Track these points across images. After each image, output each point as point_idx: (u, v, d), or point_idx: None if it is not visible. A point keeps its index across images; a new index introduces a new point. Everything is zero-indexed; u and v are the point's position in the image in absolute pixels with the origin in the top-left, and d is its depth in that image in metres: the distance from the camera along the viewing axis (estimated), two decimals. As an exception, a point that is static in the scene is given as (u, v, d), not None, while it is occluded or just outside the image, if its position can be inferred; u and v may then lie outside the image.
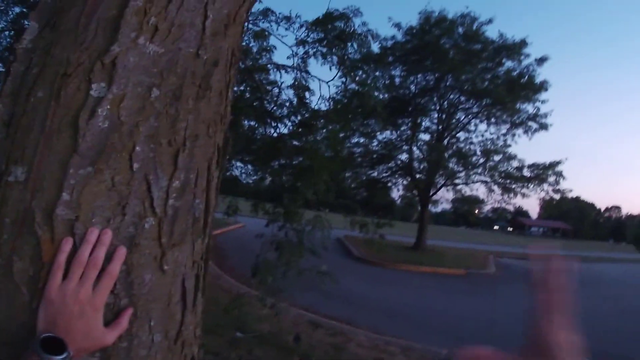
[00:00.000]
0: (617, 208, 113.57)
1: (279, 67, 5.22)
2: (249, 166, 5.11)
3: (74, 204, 0.70)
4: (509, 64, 19.52)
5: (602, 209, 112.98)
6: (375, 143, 21.47)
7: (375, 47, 18.89)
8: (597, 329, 8.62)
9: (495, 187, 21.50)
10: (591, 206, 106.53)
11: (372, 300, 9.66)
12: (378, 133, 20.50)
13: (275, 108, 4.66)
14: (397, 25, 20.23)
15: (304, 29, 5.24)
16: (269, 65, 5.43)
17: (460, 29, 19.47)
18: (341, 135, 4.69)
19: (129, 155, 0.74)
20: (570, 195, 22.22)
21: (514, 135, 20.74)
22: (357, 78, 5.09)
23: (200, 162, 0.85)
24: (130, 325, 0.75)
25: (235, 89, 5.50)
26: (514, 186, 20.83)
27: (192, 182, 0.83)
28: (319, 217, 3.77)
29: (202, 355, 1.01)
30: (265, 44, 5.98)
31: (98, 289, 0.71)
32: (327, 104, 4.98)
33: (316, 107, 4.57)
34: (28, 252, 0.70)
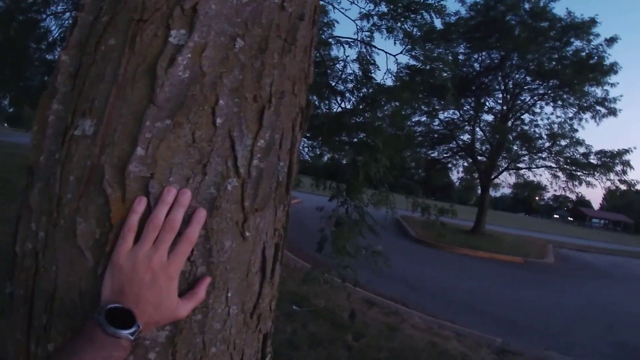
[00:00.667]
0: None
1: (341, 41, 5.09)
2: (310, 141, 5.05)
3: (150, 160, 0.64)
4: (577, 43, 18.10)
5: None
6: (436, 122, 20.84)
7: (438, 23, 18.22)
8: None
9: (559, 174, 20.33)
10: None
11: (428, 282, 9.49)
12: (441, 112, 19.84)
13: (339, 82, 4.55)
14: (461, 0, 19.31)
15: (367, 1, 5.06)
16: (331, 40, 5.30)
17: (526, 5, 18.24)
18: (405, 112, 4.50)
19: (212, 109, 0.66)
20: (636, 187, 20.60)
21: (581, 119, 19.39)
22: (426, 53, 4.88)
23: (285, 121, 0.77)
24: (206, 297, 0.68)
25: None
26: (579, 173, 19.58)
27: (277, 143, 0.75)
28: (387, 193, 3.65)
29: (273, 331, 0.94)
30: (327, 18, 5.85)
31: (174, 255, 0.63)
32: (393, 79, 4.82)
33: (382, 82, 4.43)
34: (94, 213, 0.64)
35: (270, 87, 0.73)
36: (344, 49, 5.34)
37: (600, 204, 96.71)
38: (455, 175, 23.89)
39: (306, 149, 5.39)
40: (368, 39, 5.04)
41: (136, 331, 0.59)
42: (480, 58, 20.37)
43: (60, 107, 0.70)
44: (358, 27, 5.24)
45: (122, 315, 0.59)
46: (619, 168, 18.53)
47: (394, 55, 4.70)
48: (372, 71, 4.60)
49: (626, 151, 18.25)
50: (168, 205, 0.63)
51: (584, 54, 17.94)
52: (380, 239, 4.11)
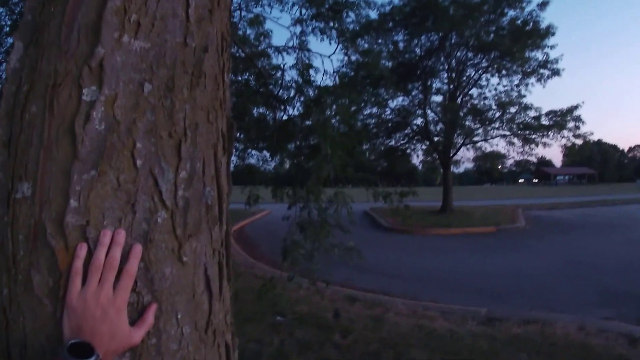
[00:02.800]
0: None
1: (279, 49, 5.19)
2: (264, 153, 5.12)
3: (83, 209, 0.71)
4: (511, 13, 18.80)
5: (626, 150, 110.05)
6: (388, 112, 21.22)
7: (374, 15, 18.52)
8: (629, 273, 8.53)
9: (515, 140, 21.07)
10: (614, 148, 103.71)
11: (406, 268, 9.68)
12: (390, 101, 20.21)
13: (281, 91, 4.63)
14: (393, -12, 19.70)
15: (296, 7, 5.18)
16: (268, 50, 5.40)
17: (457, -16, 18.84)
18: (352, 108, 4.62)
19: (131, 153, 0.73)
20: (591, 139, 21.56)
21: (527, 85, 20.15)
22: (359, 48, 5.02)
23: (205, 149, 0.84)
24: (156, 321, 0.76)
25: (240, 78, 5.56)
26: (533, 136, 20.33)
27: (199, 171, 0.82)
28: (339, 193, 3.74)
29: (238, 342, 1.01)
30: (261, 29, 5.94)
31: (118, 290, 0.71)
32: (334, 79, 4.94)
33: (323, 84, 4.53)
34: (45, 264, 0.71)
35: (184, 121, 0.80)
36: (282, 57, 5.44)
37: (562, 161, 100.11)
38: (416, 159, 24.38)
39: (261, 162, 5.46)
40: (302, 43, 5.15)
41: (97, 359, 0.66)
42: (420, 42, 20.83)
43: (1, 175, 0.77)
44: (292, 33, 5.36)
45: (82, 348, 0.66)
46: (571, 124, 19.35)
47: (329, 57, 4.83)
48: (312, 75, 4.71)
49: (575, 107, 19.05)
50: (106, 247, 0.71)
51: (519, 22, 18.60)
52: (352, 234, 4.19)
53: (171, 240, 0.77)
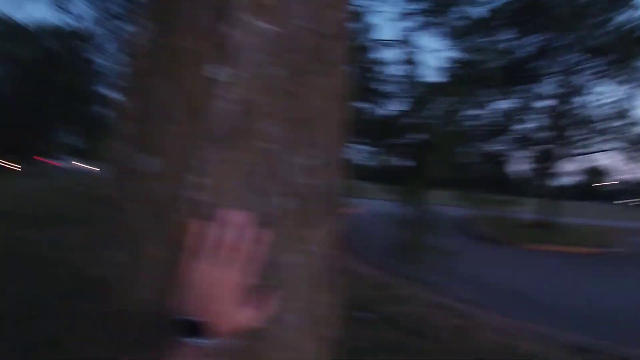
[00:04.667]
0: None
1: (385, 43, 5.11)
2: (365, 147, 5.08)
3: (211, 189, 0.71)
4: (625, 15, 16.89)
5: None
6: (490, 114, 20.19)
7: (482, 12, 17.67)
8: None
9: (625, 155, 19.02)
10: None
11: (500, 281, 9.14)
12: (493, 103, 19.24)
13: (385, 86, 4.57)
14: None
15: (404, 1, 5.07)
16: (374, 44, 5.33)
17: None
18: (457, 107, 4.41)
19: (261, 137, 0.73)
20: None
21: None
22: (465, 46, 4.80)
23: (329, 138, 0.82)
24: (273, 307, 0.75)
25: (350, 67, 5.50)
26: (641, 154, 18.24)
27: (325, 160, 0.81)
28: (449, 196, 3.61)
29: (338, 337, 0.99)
30: (367, 22, 5.89)
31: (241, 272, 0.70)
32: (440, 76, 4.79)
33: (428, 81, 4.39)
34: (167, 239, 0.72)
35: (311, 108, 0.79)
36: (388, 52, 5.37)
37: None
38: (516, 166, 22.99)
39: (360, 157, 5.42)
40: (408, 38, 5.03)
41: (214, 340, 0.66)
42: (528, 43, 19.55)
43: (127, 148, 0.80)
44: (398, 28, 5.26)
45: (199, 327, 0.66)
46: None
47: (435, 53, 4.67)
48: (417, 70, 4.58)
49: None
50: (232, 227, 0.70)
51: (633, 26, 16.73)
52: (446, 239, 4.05)
53: (296, 228, 0.76)
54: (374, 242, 3.94)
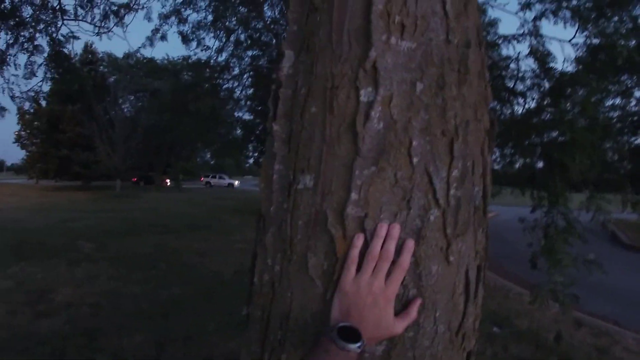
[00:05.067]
0: None
1: (508, 38, 4.82)
2: (498, 150, 4.81)
3: (362, 202, 0.76)
4: None
5: None
6: (633, 103, 17.81)
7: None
8: None
9: None
10: None
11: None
12: (636, 89, 16.94)
13: (516, 82, 4.30)
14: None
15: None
16: (497, 40, 5.06)
17: None
18: (595, 98, 3.97)
19: (407, 151, 0.76)
20: None
21: None
22: (598, 29, 4.33)
23: (474, 148, 0.83)
24: (417, 316, 0.78)
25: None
26: None
27: (469, 170, 0.82)
28: (593, 197, 3.28)
29: (476, 350, 0.98)
30: (487, 18, 5.62)
31: (390, 281, 0.74)
32: (573, 66, 4.38)
33: (561, 72, 4.03)
34: (322, 249, 0.79)
35: (455, 119, 0.80)
36: (514, 46, 5.05)
37: None
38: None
39: (496, 158, 5.14)
40: (536, 29, 4.69)
41: (361, 345, 0.71)
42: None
43: (282, 167, 0.88)
44: (522, 20, 4.93)
45: (349, 332, 0.71)
46: None
47: (568, 41, 4.28)
48: (549, 62, 4.25)
49: None
50: (382, 239, 0.75)
51: None
52: (587, 247, 3.68)
53: (441, 239, 0.78)
54: (508, 250, 3.71)
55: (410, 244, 0.75)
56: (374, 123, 0.77)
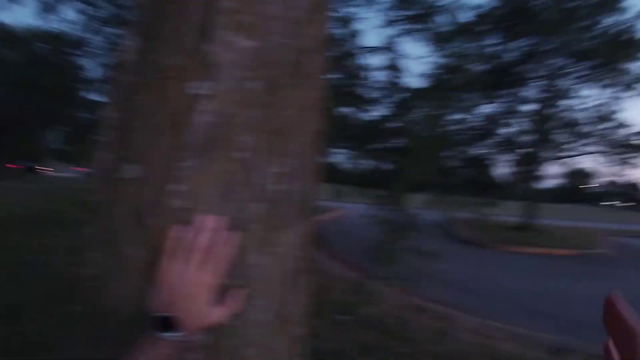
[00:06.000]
0: None
1: (368, 50, 5.18)
2: (347, 152, 5.13)
3: (185, 194, 0.77)
4: (610, 20, 17.25)
5: None
6: (474, 118, 20.43)
7: (467, 17, 17.91)
8: None
9: (606, 158, 19.37)
10: None
11: (478, 283, 9.28)
12: (477, 107, 19.47)
13: (368, 91, 4.63)
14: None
15: (388, 9, 5.14)
16: (357, 50, 5.40)
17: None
18: (439, 112, 4.49)
19: (234, 146, 0.79)
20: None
21: (625, 99, 18.49)
22: (450, 52, 4.89)
23: (302, 147, 0.88)
24: (240, 306, 0.81)
25: (327, 77, 5.55)
26: (627, 156, 18.59)
27: (295, 168, 0.86)
28: (428, 199, 3.68)
29: (307, 336, 1.05)
30: (351, 29, 5.96)
31: (210, 272, 0.76)
32: (422, 81, 4.87)
33: (411, 86, 4.47)
34: (143, 241, 0.78)
35: (285, 119, 0.85)
36: (371, 58, 5.44)
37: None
38: (499, 170, 23.30)
39: (343, 161, 5.47)
40: (391, 45, 5.11)
41: (183, 335, 0.72)
42: (512, 47, 19.83)
43: (109, 156, 0.85)
44: (381, 35, 5.32)
45: (171, 322, 0.72)
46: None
47: (419, 59, 4.75)
48: (401, 76, 4.66)
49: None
50: (204, 231, 0.76)
51: (618, 30, 17.07)
52: (426, 242, 4.12)
53: (263, 231, 0.82)
54: (354, 244, 4.02)
55: (232, 236, 0.78)
56: (202, 116, 0.78)
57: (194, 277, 0.75)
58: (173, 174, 0.77)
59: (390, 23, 5.24)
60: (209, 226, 0.76)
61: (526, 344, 5.33)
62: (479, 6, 18.45)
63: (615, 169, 19.35)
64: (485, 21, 18.91)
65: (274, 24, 0.86)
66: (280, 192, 0.84)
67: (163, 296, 0.74)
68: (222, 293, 0.79)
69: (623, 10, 16.85)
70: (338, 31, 5.73)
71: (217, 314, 0.77)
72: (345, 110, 5.02)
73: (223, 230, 0.77)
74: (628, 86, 17.96)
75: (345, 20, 5.63)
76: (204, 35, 0.81)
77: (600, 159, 19.44)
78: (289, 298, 0.90)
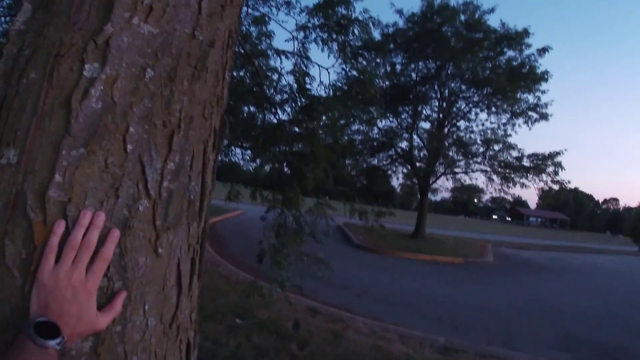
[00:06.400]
0: (615, 200, 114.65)
1: (279, 52, 5.18)
2: (249, 152, 5.09)
3: (67, 186, 0.69)
4: (510, 53, 19.35)
5: (600, 201, 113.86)
6: (375, 131, 21.45)
7: (376, 34, 18.79)
8: (590, 319, 8.73)
9: (494, 177, 21.42)
10: (589, 198, 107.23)
11: (371, 287, 9.70)
12: (378, 121, 20.46)
13: (274, 94, 4.62)
14: (399, 12, 20.15)
15: (304, 14, 5.19)
16: (268, 51, 5.39)
17: (462, 17, 19.32)
18: (341, 122, 4.63)
19: (123, 137, 0.73)
20: (569, 186, 22.07)
21: (514, 124, 20.66)
22: (357, 65, 5.05)
23: (196, 144, 0.84)
24: (124, 309, 0.75)
25: (235, 74, 5.52)
26: (513, 176, 20.74)
27: (187, 165, 0.82)
28: (320, 204, 3.76)
29: (199, 341, 1.00)
30: (265, 29, 5.94)
31: (91, 272, 0.70)
32: (327, 90, 4.96)
33: (316, 94, 4.55)
34: (20, 235, 0.69)
35: (180, 113, 0.80)
36: (281, 60, 5.46)
37: (537, 204, 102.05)
38: (396, 181, 24.64)
39: (243, 162, 5.42)
40: (302, 50, 5.16)
41: (61, 341, 0.66)
42: (417, 68, 21.19)
43: None
44: (293, 38, 5.36)
45: (48, 327, 0.65)
46: (551, 169, 19.73)
47: (327, 68, 4.85)
48: (308, 83, 4.72)
49: (557, 153, 19.47)
50: (84, 227, 0.69)
51: (516, 63, 19.08)
52: (323, 246, 4.20)
53: (149, 230, 0.76)
54: (252, 247, 3.98)
55: (115, 234, 0.72)
56: (92, 102, 0.71)
57: (77, 278, 0.68)
58: (56, 163, 0.69)
59: (303, 28, 5.29)
60: (94, 223, 0.70)
61: (416, 344, 5.65)
62: (391, 24, 19.47)
63: (503, 186, 21.35)
64: (395, 40, 20.05)
65: (181, 12, 0.82)
66: (170, 190, 0.79)
67: (42, 298, 0.67)
68: (104, 296, 0.73)
69: (523, 46, 18.75)
70: (250, 29, 5.68)
71: (99, 319, 0.71)
72: (249, 110, 4.98)
73: (106, 227, 0.71)
74: (520, 114, 20.03)
75: (259, 20, 5.59)
76: (104, 13, 0.75)
77: (490, 176, 21.33)
78: (179, 301, 0.85)
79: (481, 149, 20.96)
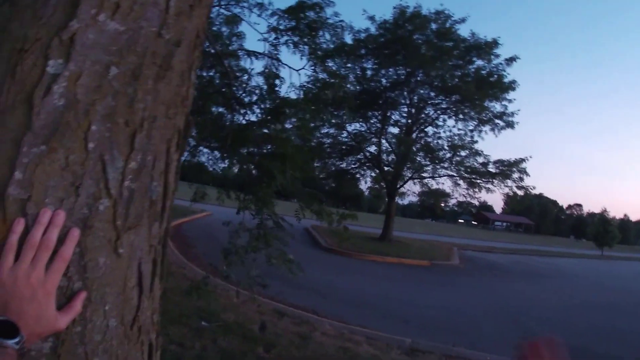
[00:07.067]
0: (579, 206, 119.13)
1: (249, 53, 5.17)
2: (216, 153, 5.05)
3: (27, 183, 0.68)
4: (479, 62, 19.94)
5: (565, 206, 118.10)
6: (344, 134, 21.65)
7: (348, 39, 18.95)
8: (553, 320, 9.03)
9: (460, 182, 21.97)
10: (554, 203, 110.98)
11: (338, 289, 9.75)
12: (348, 124, 20.67)
13: (244, 95, 4.61)
14: (371, 18, 20.43)
15: (276, 16, 5.20)
16: (239, 51, 5.36)
17: (433, 26, 19.77)
18: (311, 124, 4.66)
19: (84, 135, 0.72)
20: (533, 192, 22.86)
21: (480, 131, 21.26)
22: (328, 69, 5.09)
23: (159, 144, 0.83)
24: (84, 310, 0.73)
25: (204, 74, 5.47)
26: (479, 181, 21.31)
27: (149, 164, 0.81)
28: (294, 206, 3.76)
29: (161, 343, 0.99)
30: (236, 29, 5.92)
31: (50, 272, 0.69)
32: (298, 92, 4.98)
33: (286, 96, 4.56)
34: None
35: (143, 112, 0.79)
36: (251, 61, 5.45)
37: (502, 208, 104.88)
38: (364, 184, 24.90)
39: (211, 162, 5.37)
40: (273, 52, 5.16)
41: (20, 341, 0.64)
42: (387, 73, 21.50)
43: None
44: (264, 39, 5.36)
45: (7, 326, 0.64)
46: (516, 175, 20.39)
47: (297, 70, 4.87)
48: (277, 85, 4.72)
49: (522, 160, 20.17)
50: (44, 226, 0.68)
51: (484, 72, 19.63)
52: (290, 249, 4.20)
53: (110, 230, 0.75)
54: (217, 249, 3.96)
55: (74, 234, 0.71)
56: (54, 98, 0.70)
57: (35, 277, 0.68)
58: (16, 160, 0.68)
59: (274, 30, 5.30)
60: (53, 221, 0.69)
61: (383, 345, 5.71)
62: (363, 30, 19.68)
63: (469, 191, 21.87)
64: (366, 45, 20.29)
65: (149, 10, 0.82)
66: (132, 189, 0.78)
67: (0, 298, 0.66)
68: (64, 296, 0.72)
69: (492, 55, 19.28)
70: (221, 29, 5.64)
71: (58, 319, 0.70)
72: (217, 110, 4.95)
73: (65, 226, 0.70)
74: (487, 121, 20.59)
75: (231, 20, 5.56)
76: (70, 9, 0.74)
77: (456, 181, 21.82)
78: (140, 303, 0.84)
79: (448, 155, 21.45)
